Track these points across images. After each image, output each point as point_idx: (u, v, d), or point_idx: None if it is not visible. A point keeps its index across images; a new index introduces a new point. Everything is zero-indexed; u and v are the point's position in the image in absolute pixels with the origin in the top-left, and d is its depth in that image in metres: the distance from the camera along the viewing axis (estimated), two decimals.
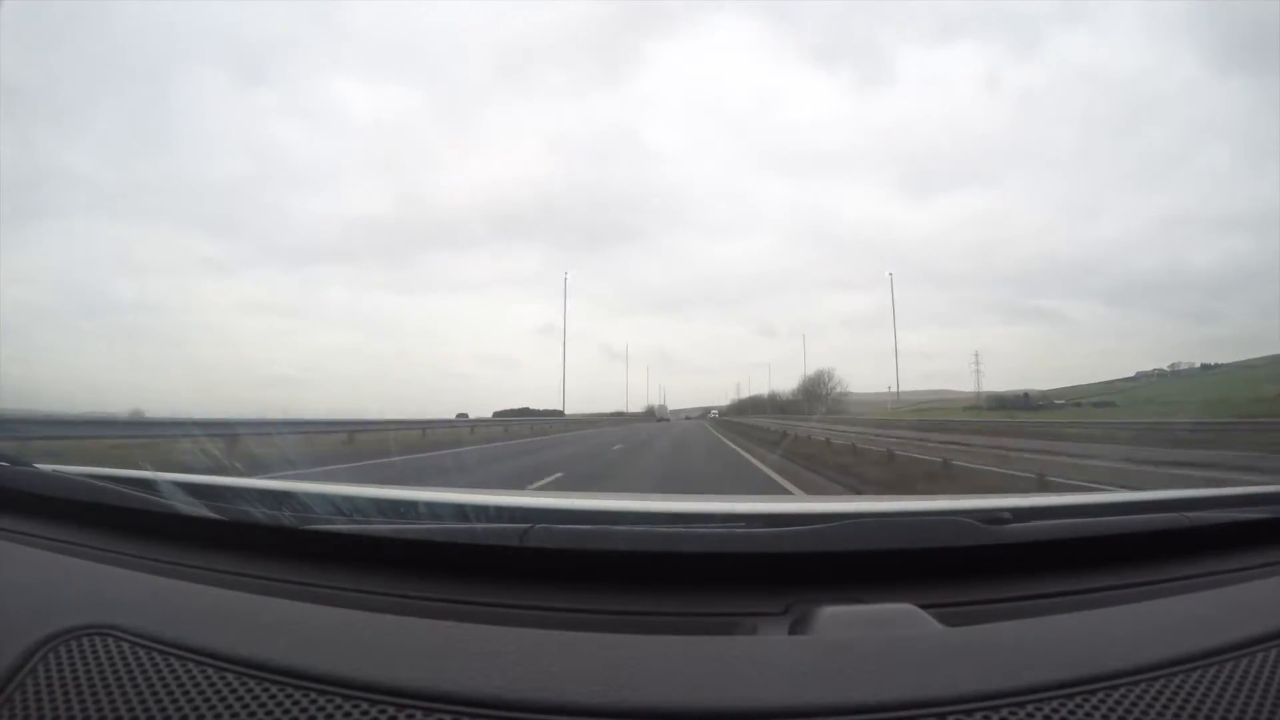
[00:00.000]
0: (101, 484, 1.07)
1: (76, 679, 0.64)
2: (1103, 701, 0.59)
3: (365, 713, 0.58)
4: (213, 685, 0.62)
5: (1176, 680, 0.62)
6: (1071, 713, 0.58)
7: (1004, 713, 0.57)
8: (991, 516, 0.93)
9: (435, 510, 1.05)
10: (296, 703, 0.59)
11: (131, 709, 0.61)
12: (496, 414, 43.65)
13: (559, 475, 9.88)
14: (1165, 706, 0.60)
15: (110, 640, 0.68)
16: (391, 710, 0.58)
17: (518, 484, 8.30)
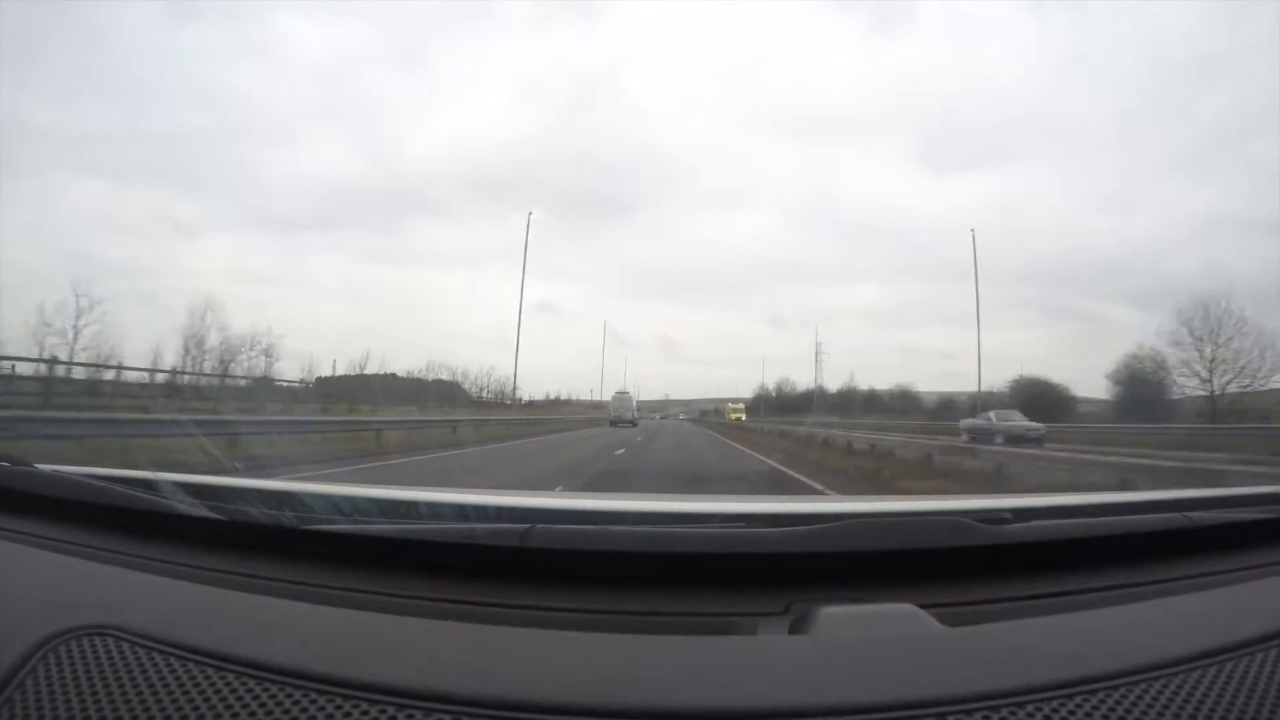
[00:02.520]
0: (101, 484, 1.07)
1: (76, 679, 0.64)
2: (1103, 701, 0.59)
3: (365, 713, 0.58)
4: (213, 685, 0.62)
5: (1176, 680, 0.62)
6: (1071, 713, 0.58)
7: (1004, 713, 0.57)
8: (992, 516, 0.93)
9: (435, 510, 1.05)
10: (296, 703, 0.59)
11: (131, 709, 0.61)
12: (320, 380, 31.96)
13: None
14: (1165, 706, 0.60)
15: (110, 640, 0.68)
16: (391, 710, 0.58)
17: None
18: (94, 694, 0.62)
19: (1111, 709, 0.59)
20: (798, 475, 10.70)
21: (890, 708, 0.58)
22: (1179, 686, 0.62)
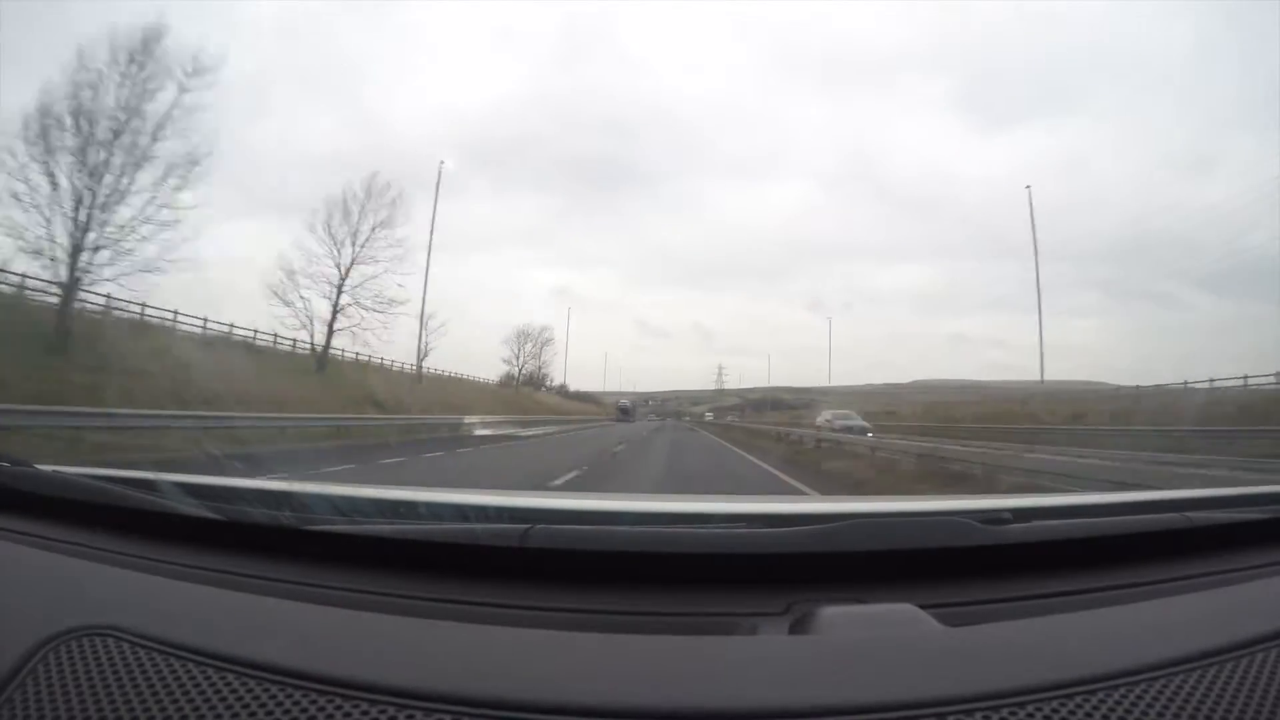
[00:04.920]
0: (102, 484, 1.07)
1: (76, 679, 0.64)
2: (1103, 701, 0.59)
3: (365, 713, 0.58)
4: (213, 685, 0.62)
5: (1176, 680, 0.62)
6: (1071, 713, 0.58)
7: (1004, 713, 0.57)
8: (992, 517, 0.93)
9: (435, 510, 1.06)
10: (296, 703, 0.59)
11: (131, 709, 0.61)
12: None
13: None
14: (1165, 706, 0.60)
15: (110, 640, 0.68)
16: (391, 710, 0.58)
17: None
18: (94, 694, 0.62)
19: (1111, 709, 0.59)
20: None
21: (890, 708, 0.58)
22: (1179, 686, 0.62)
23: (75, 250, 14.99)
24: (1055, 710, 0.58)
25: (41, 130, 14.81)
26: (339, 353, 27.33)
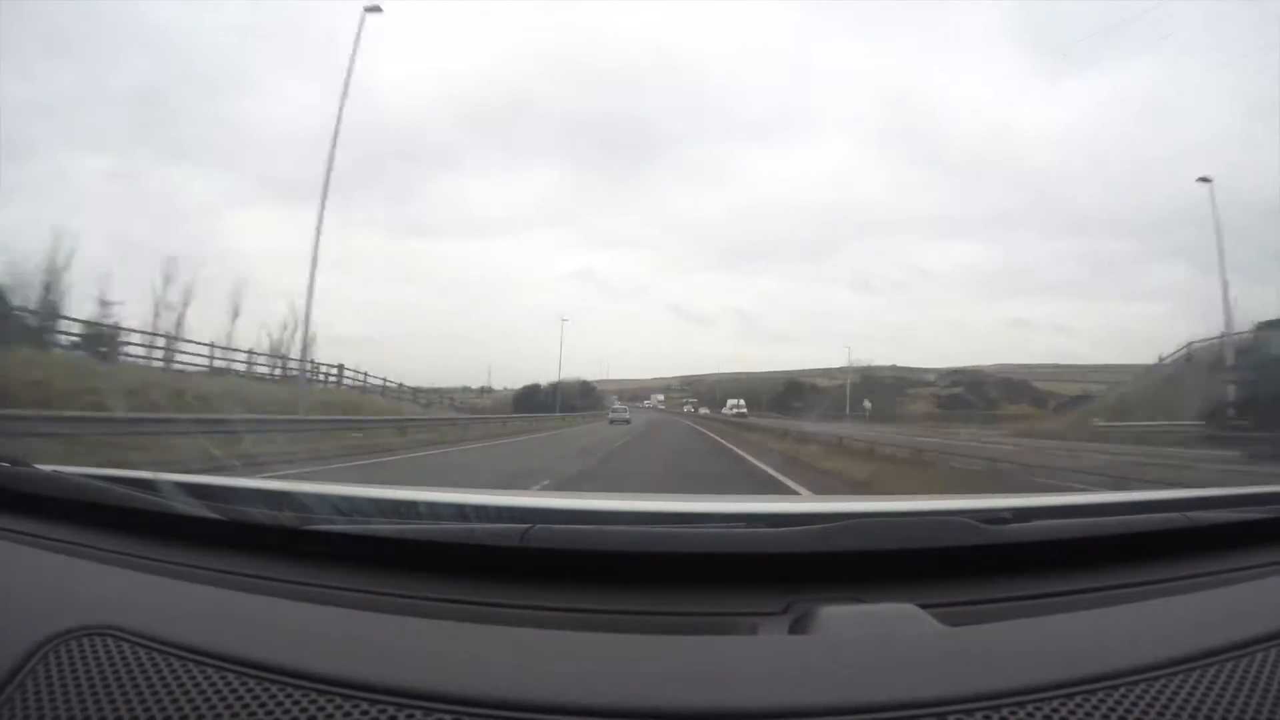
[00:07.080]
0: (102, 484, 1.07)
1: (76, 679, 0.64)
2: (1103, 701, 0.59)
3: (365, 713, 0.58)
4: (213, 685, 0.62)
5: (1176, 680, 0.62)
6: (1071, 713, 0.58)
7: (1004, 713, 0.57)
8: (992, 516, 0.94)
9: (435, 510, 1.06)
10: (296, 703, 0.59)
11: (131, 709, 0.61)
12: None
13: None
14: (1165, 706, 0.60)
15: (110, 640, 0.68)
16: (391, 710, 0.58)
17: None
18: (94, 694, 0.62)
19: (1111, 709, 0.59)
20: None
21: (891, 708, 0.58)
22: (1179, 686, 0.62)
23: None
24: (1055, 710, 0.58)
25: None
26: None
